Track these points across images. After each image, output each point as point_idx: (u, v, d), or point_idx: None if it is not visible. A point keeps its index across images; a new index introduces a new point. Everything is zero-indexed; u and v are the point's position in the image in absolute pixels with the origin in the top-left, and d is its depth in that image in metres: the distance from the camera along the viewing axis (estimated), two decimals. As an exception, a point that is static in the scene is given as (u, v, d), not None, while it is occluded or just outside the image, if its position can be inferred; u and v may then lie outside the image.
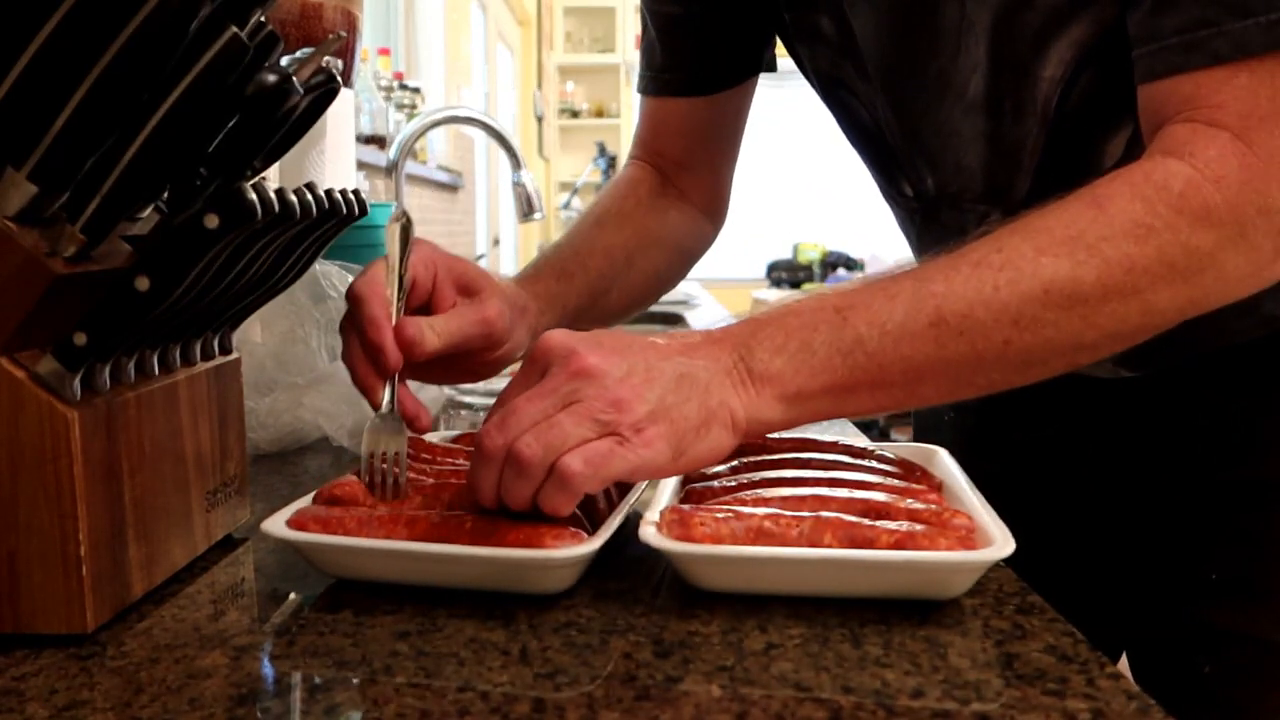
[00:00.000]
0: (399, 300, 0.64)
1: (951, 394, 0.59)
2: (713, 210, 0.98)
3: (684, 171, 0.95)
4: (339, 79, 0.57)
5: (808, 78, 0.87)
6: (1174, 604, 0.80)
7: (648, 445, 0.53)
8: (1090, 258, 0.56)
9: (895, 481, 0.62)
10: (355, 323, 0.64)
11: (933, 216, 0.82)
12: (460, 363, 0.71)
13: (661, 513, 0.55)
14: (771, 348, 0.56)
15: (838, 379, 0.56)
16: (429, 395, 0.95)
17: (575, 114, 7.31)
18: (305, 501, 0.60)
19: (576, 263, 0.84)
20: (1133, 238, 0.56)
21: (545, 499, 0.53)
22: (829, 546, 0.52)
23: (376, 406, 0.64)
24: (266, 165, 0.59)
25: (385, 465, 0.61)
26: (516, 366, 0.61)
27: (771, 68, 0.93)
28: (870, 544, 0.52)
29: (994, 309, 0.56)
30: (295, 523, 0.56)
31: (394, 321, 0.63)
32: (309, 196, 0.56)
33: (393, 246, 0.65)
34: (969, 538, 0.53)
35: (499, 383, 1.16)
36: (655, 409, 0.53)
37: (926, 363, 0.56)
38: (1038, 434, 0.90)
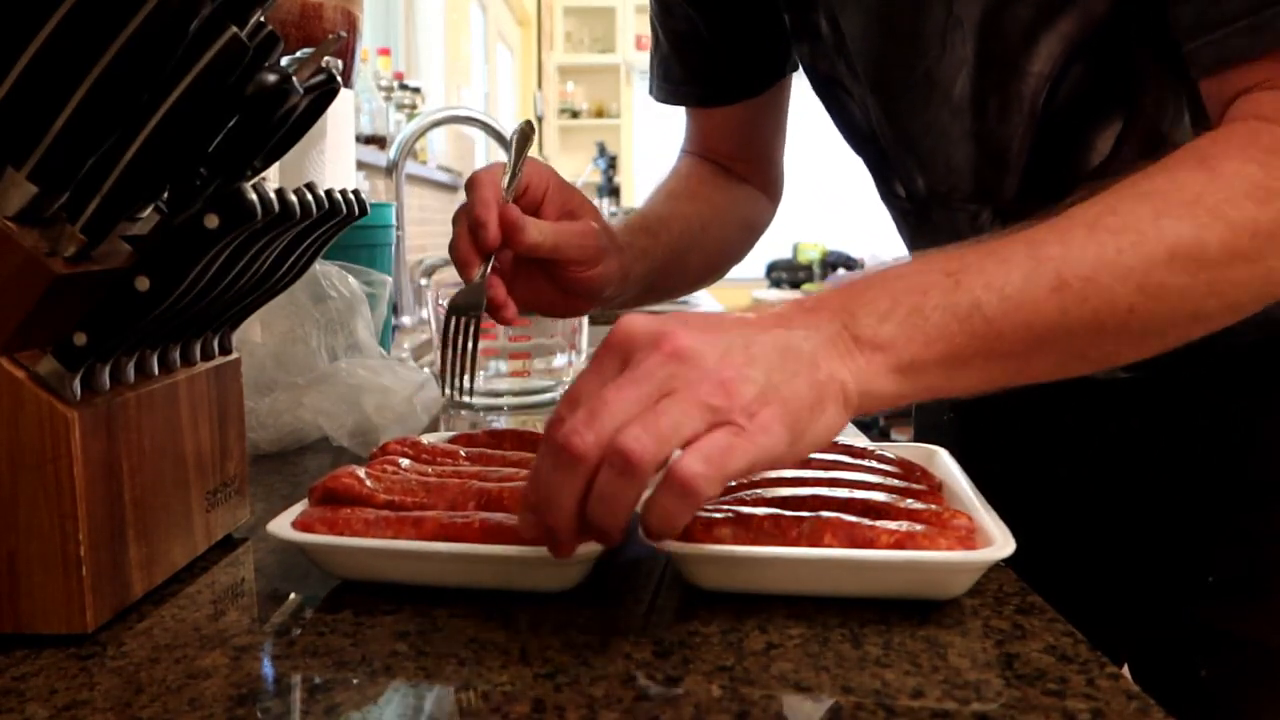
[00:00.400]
0: (509, 192, 0.70)
1: (1063, 368, 0.55)
2: (769, 189, 1.01)
3: (736, 162, 0.98)
4: (339, 79, 0.57)
5: (808, 77, 0.88)
6: (1173, 605, 0.80)
7: (765, 431, 0.46)
8: (1214, 221, 0.53)
9: (895, 481, 0.62)
10: (467, 204, 0.69)
11: (924, 216, 0.83)
12: (555, 274, 0.74)
13: (661, 513, 0.55)
14: (878, 313, 0.50)
15: (954, 348, 0.51)
16: (429, 396, 0.95)
17: (575, 114, 7.31)
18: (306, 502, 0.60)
19: (660, 224, 0.87)
20: (1255, 200, 0.53)
21: (660, 513, 0.45)
22: (829, 546, 0.52)
23: (468, 280, 0.68)
24: (266, 165, 0.59)
25: (461, 344, 0.68)
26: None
27: (794, 68, 0.95)
28: (870, 544, 0.52)
29: (1119, 273, 0.52)
30: (301, 524, 0.56)
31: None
32: (309, 196, 0.56)
33: (512, 147, 0.72)
34: (969, 538, 0.53)
35: (499, 383, 1.16)
36: (764, 388, 0.46)
37: (1048, 331, 0.52)
38: (1038, 434, 0.90)
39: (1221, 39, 0.58)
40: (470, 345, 0.68)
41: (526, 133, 0.73)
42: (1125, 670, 0.81)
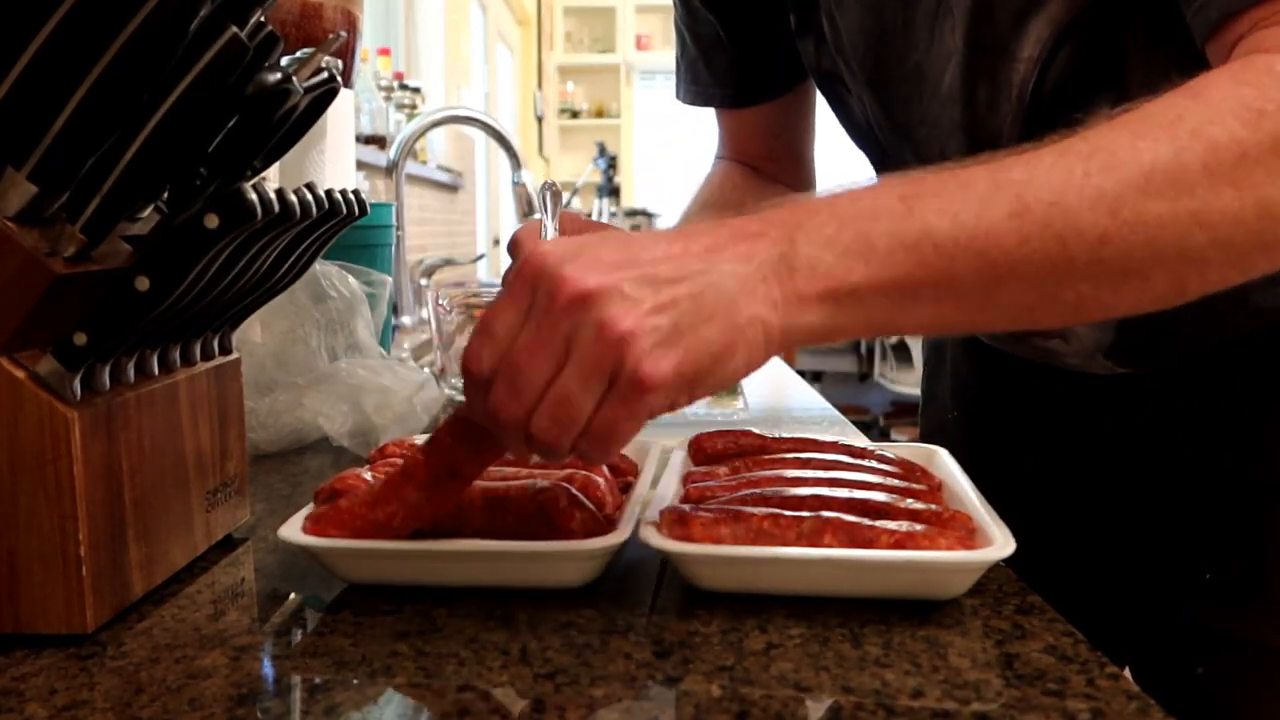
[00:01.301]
0: None
1: (1031, 310, 0.51)
2: (801, 188, 1.01)
3: (768, 162, 0.99)
4: (339, 79, 0.57)
5: (812, 75, 0.88)
6: (1171, 605, 0.80)
7: (651, 389, 0.46)
8: (1194, 142, 0.48)
9: (895, 481, 0.62)
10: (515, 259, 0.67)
11: None
12: None
13: (661, 513, 0.55)
14: (821, 240, 0.48)
15: (900, 276, 0.48)
16: (429, 396, 0.95)
17: (575, 114, 7.32)
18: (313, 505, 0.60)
19: None
20: (1241, 120, 0.49)
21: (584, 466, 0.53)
22: (829, 546, 0.52)
23: None
24: (266, 165, 0.59)
25: None
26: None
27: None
28: (870, 544, 0.52)
29: (1087, 197, 0.48)
30: (314, 529, 0.55)
31: None
32: (309, 196, 0.56)
33: (547, 209, 0.72)
34: (969, 538, 0.53)
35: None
36: (667, 335, 0.46)
37: (1006, 261, 0.48)
38: (1040, 434, 0.90)
39: (1207, 3, 0.57)
40: None
41: (556, 191, 0.74)
42: (1126, 671, 0.82)
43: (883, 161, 0.86)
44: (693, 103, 0.99)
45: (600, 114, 7.33)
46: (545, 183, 0.74)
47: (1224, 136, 0.48)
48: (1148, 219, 0.48)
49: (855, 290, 0.48)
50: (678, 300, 0.46)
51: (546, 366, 0.47)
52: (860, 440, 0.73)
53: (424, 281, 1.83)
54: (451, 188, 3.87)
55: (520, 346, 0.48)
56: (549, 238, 0.69)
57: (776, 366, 1.41)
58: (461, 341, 1.17)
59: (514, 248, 0.68)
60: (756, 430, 0.71)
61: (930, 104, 0.75)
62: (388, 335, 1.25)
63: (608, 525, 0.56)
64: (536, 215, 0.74)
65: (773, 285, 0.48)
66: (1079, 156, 0.49)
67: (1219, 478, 0.78)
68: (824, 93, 0.88)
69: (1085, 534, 0.87)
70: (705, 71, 0.96)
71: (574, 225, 0.73)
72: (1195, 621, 0.78)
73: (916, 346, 3.47)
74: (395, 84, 2.84)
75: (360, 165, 2.09)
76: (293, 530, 0.56)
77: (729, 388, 0.49)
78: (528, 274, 0.48)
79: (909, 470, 0.65)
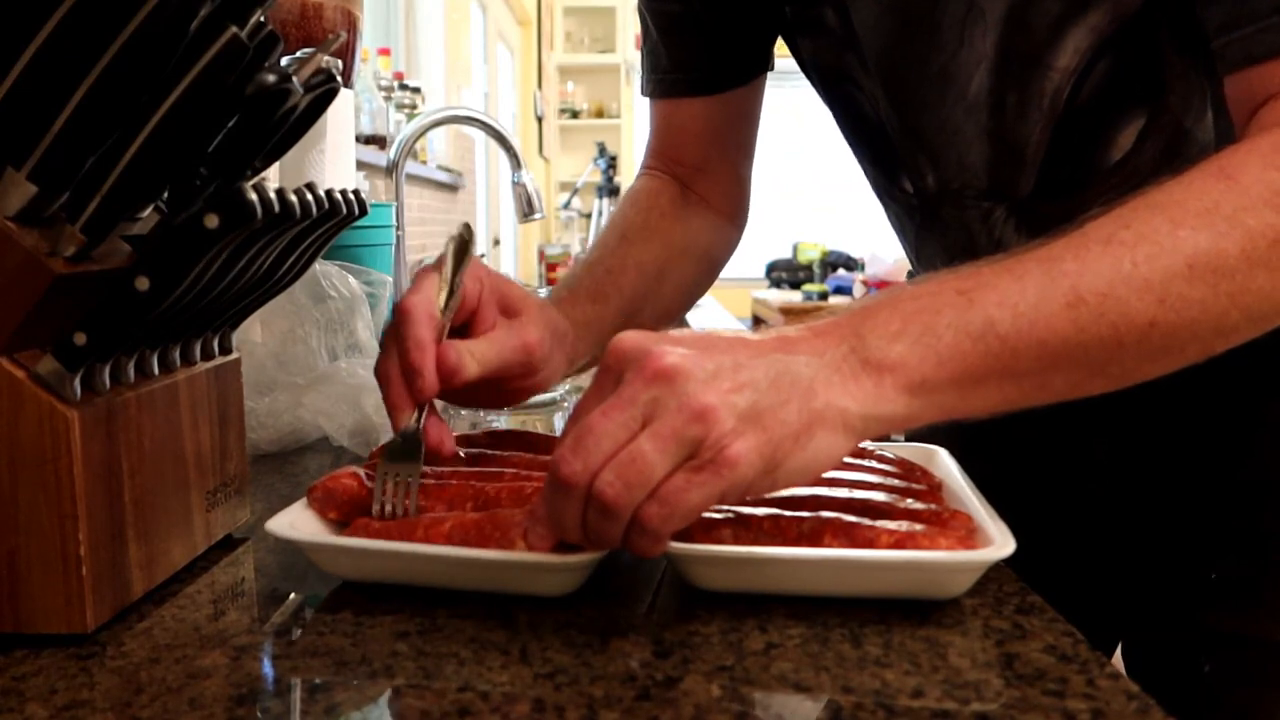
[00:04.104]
0: (447, 315, 0.61)
1: (1081, 386, 0.54)
2: (734, 213, 0.97)
3: (702, 176, 0.94)
4: (339, 79, 0.57)
5: (807, 72, 0.87)
6: (1175, 605, 0.80)
7: (731, 465, 0.47)
8: (1231, 229, 0.52)
9: (895, 481, 0.62)
10: (399, 339, 0.60)
11: (933, 213, 0.82)
12: (493, 386, 0.67)
13: (661, 513, 0.55)
14: (887, 334, 0.50)
15: (967, 366, 0.50)
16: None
17: (575, 114, 7.32)
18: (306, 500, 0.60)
19: (610, 283, 0.82)
20: (1274, 207, 0.52)
21: (632, 546, 0.49)
22: (829, 546, 0.52)
23: (399, 428, 0.60)
24: (266, 165, 0.59)
25: (395, 496, 0.58)
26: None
27: (771, 66, 0.93)
28: (870, 544, 0.52)
29: (1136, 287, 0.51)
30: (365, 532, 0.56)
31: (439, 340, 0.60)
32: (309, 196, 0.56)
33: (449, 260, 0.62)
34: (969, 538, 0.53)
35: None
36: (746, 415, 0.47)
37: (1064, 348, 0.51)
38: (1038, 434, 0.90)
39: (1250, 35, 0.58)
40: (405, 507, 0.58)
41: (465, 239, 0.63)
42: (1122, 668, 0.81)
43: (889, 163, 0.85)
44: (652, 94, 0.94)
45: (600, 114, 7.34)
46: (461, 227, 0.62)
47: (1258, 224, 0.52)
48: (1190, 303, 0.52)
49: (927, 381, 0.50)
50: (755, 381, 0.48)
51: (620, 431, 0.47)
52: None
53: (424, 281, 1.82)
54: (451, 188, 3.87)
55: (595, 414, 0.48)
56: (448, 302, 0.61)
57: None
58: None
59: (403, 320, 0.59)
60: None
61: (954, 109, 0.74)
62: (388, 335, 1.24)
63: None
64: (442, 259, 0.60)
65: (848, 377, 0.50)
66: (1125, 246, 0.52)
67: (1221, 477, 0.78)
68: (825, 90, 0.87)
69: (1085, 534, 0.87)
70: (665, 56, 0.91)
71: (472, 280, 0.64)
72: (1197, 621, 0.78)
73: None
74: (395, 84, 2.84)
75: (360, 165, 2.09)
76: (280, 524, 0.56)
77: (816, 474, 0.51)
78: (611, 362, 0.50)
79: (909, 470, 0.65)
